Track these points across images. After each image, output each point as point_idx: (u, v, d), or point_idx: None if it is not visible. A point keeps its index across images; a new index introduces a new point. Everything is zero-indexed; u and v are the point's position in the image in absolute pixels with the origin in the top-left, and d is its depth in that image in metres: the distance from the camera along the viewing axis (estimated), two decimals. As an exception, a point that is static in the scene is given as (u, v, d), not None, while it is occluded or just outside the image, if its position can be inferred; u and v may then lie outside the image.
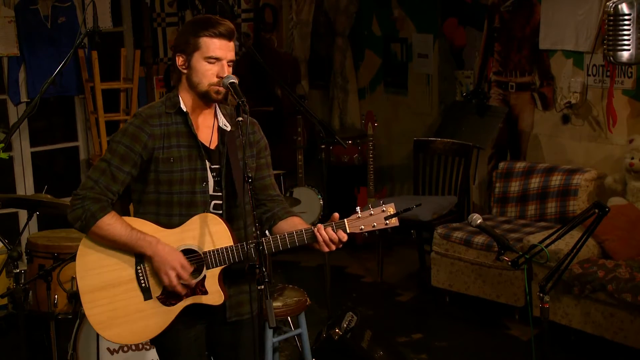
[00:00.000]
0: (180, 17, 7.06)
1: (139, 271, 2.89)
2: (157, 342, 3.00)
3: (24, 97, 6.25)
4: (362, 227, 2.87)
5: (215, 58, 2.88)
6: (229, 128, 2.96)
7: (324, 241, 2.85)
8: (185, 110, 2.93)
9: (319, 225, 2.87)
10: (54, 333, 4.25)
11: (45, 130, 6.71)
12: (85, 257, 2.90)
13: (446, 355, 5.06)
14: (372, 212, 2.87)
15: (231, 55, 2.90)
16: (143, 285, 2.89)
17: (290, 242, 2.87)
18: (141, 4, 6.79)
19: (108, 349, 4.25)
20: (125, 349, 4.27)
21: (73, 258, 4.16)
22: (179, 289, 2.86)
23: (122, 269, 2.89)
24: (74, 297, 4.27)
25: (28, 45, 6.18)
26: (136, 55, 6.46)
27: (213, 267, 2.88)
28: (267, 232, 3.04)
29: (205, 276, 2.88)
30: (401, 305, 5.89)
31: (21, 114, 5.46)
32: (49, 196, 4.44)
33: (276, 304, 4.20)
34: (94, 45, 5.92)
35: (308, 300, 4.34)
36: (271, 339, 4.21)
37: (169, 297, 2.89)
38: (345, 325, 4.48)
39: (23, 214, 6.21)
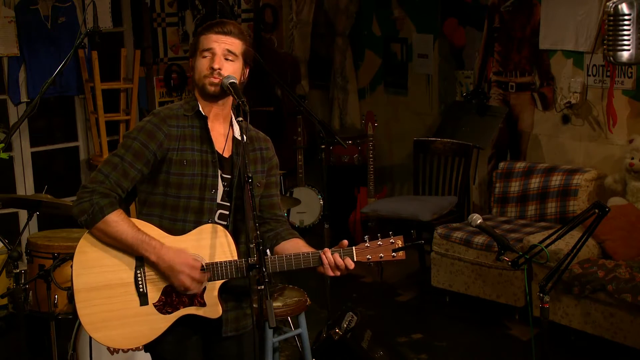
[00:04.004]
0: (180, 17, 7.05)
1: (138, 275, 2.83)
2: (152, 350, 2.95)
3: (24, 97, 6.25)
4: (369, 257, 2.86)
5: (207, 49, 2.85)
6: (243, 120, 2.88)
7: (330, 266, 2.83)
8: (204, 114, 2.89)
9: (326, 249, 2.85)
10: (54, 333, 4.24)
11: (45, 130, 6.71)
12: (84, 254, 2.83)
13: (446, 355, 5.06)
14: (381, 243, 2.86)
15: (227, 46, 2.85)
16: (141, 290, 2.82)
17: (296, 263, 2.84)
18: (141, 4, 6.79)
19: (108, 349, 4.24)
20: (125, 348, 4.26)
21: (72, 258, 4.21)
22: (196, 287, 2.81)
23: (121, 270, 2.82)
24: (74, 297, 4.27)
25: (28, 45, 6.18)
26: (136, 55, 6.46)
27: (214, 280, 2.83)
28: (268, 251, 3.01)
29: (205, 288, 2.85)
30: (401, 305, 5.89)
31: (21, 114, 5.47)
32: (49, 196, 4.44)
33: (276, 304, 4.20)
34: (94, 45, 5.92)
35: (308, 300, 4.34)
36: (271, 339, 4.21)
37: (165, 305, 2.84)
38: (345, 325, 4.48)
39: (23, 214, 6.21)
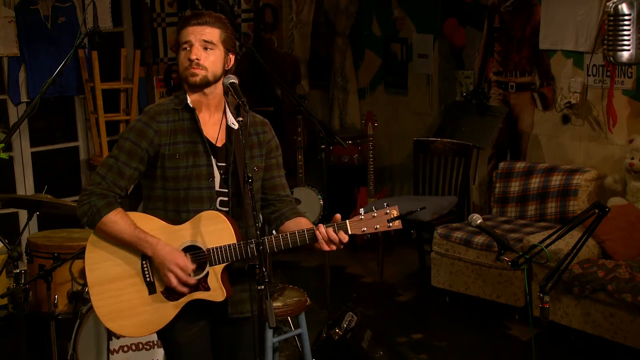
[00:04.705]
0: (180, 17, 7.05)
1: (144, 266, 2.94)
2: (162, 336, 3.06)
3: (24, 97, 6.25)
4: (365, 228, 2.88)
5: (185, 42, 2.92)
6: (236, 126, 2.97)
7: (324, 240, 2.87)
8: (192, 106, 2.96)
9: (320, 225, 2.89)
10: (54, 333, 4.25)
11: (45, 130, 6.71)
12: (93, 250, 2.97)
13: (446, 355, 5.06)
14: (375, 214, 2.87)
15: (203, 36, 2.91)
16: (148, 279, 2.94)
17: (292, 241, 2.90)
18: (141, 4, 6.79)
19: (108, 348, 4.25)
20: (125, 349, 4.28)
21: (73, 257, 4.23)
22: (180, 289, 2.90)
23: (128, 263, 2.95)
24: (74, 297, 4.28)
25: (28, 45, 6.18)
26: (136, 55, 6.46)
27: (216, 264, 2.91)
28: (274, 231, 3.06)
29: (208, 273, 2.92)
30: (401, 305, 5.89)
31: (21, 114, 5.46)
32: (49, 196, 4.44)
33: (276, 304, 4.21)
34: (94, 45, 5.92)
35: (308, 300, 4.34)
36: (271, 339, 4.21)
37: (172, 292, 2.93)
38: (345, 325, 4.48)
39: (23, 214, 6.21)
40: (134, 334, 3.02)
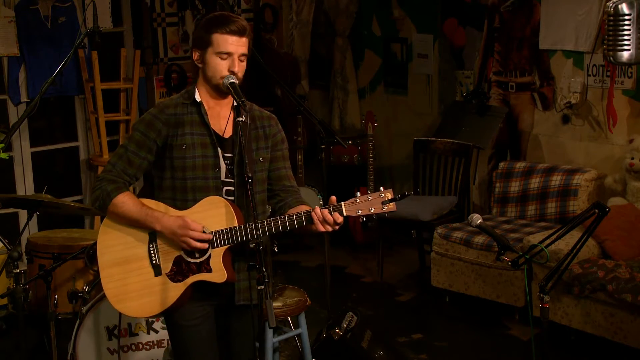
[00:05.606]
0: (180, 17, 7.05)
1: (151, 249, 3.08)
2: (168, 319, 3.16)
3: (24, 97, 6.25)
4: (360, 211, 2.96)
5: (226, 53, 3.05)
6: (243, 119, 3.06)
7: (319, 221, 2.96)
8: (199, 100, 3.11)
9: (317, 207, 2.98)
10: (54, 333, 4.25)
11: (45, 130, 6.71)
12: (104, 235, 3.13)
13: (446, 355, 5.06)
14: (370, 197, 2.95)
15: (242, 49, 3.08)
16: (154, 262, 3.07)
17: (290, 223, 2.99)
18: (141, 4, 6.79)
19: (108, 349, 4.26)
20: (125, 349, 4.28)
21: (73, 257, 4.24)
22: (200, 246, 3.00)
23: (136, 246, 3.09)
24: (74, 297, 4.28)
25: (28, 45, 6.18)
26: (136, 55, 6.46)
27: (218, 247, 3.02)
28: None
29: (210, 255, 3.02)
30: (401, 305, 5.89)
31: (21, 114, 5.46)
32: (49, 196, 4.44)
33: (276, 304, 4.21)
34: (94, 45, 5.90)
35: (308, 300, 4.34)
36: (271, 339, 4.21)
37: (176, 274, 3.05)
38: (345, 325, 4.48)
39: (23, 214, 6.21)
40: (140, 314, 3.13)
